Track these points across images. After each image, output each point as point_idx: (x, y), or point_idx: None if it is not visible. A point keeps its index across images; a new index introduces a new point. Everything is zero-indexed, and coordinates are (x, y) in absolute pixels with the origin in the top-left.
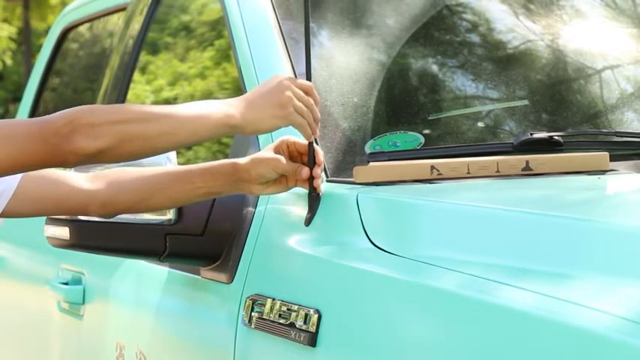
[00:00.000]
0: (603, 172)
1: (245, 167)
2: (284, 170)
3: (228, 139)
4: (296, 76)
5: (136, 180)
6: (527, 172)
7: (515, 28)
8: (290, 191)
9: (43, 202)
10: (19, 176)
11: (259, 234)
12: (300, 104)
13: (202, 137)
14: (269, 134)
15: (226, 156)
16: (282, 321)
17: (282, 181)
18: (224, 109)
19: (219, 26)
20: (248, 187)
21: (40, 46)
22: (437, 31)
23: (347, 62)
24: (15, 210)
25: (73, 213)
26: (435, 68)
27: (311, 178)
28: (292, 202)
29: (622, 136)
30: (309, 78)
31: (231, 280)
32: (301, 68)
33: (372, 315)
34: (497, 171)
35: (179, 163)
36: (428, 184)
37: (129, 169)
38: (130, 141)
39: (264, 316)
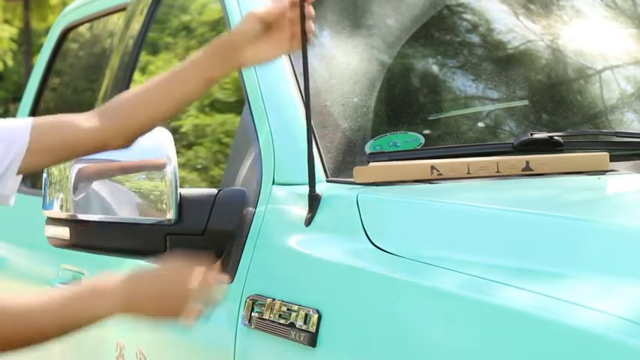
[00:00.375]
0: (603, 172)
1: (229, 32)
2: (269, 12)
3: (229, 139)
4: (296, 76)
5: (141, 100)
6: (528, 173)
7: (515, 29)
8: (290, 191)
9: (60, 150)
10: (27, 130)
11: (259, 234)
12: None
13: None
14: (269, 134)
15: (226, 156)
16: (282, 321)
17: (273, 39)
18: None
19: (220, 26)
20: (240, 53)
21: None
22: (437, 31)
23: (347, 62)
24: (32, 164)
25: (93, 152)
26: (435, 68)
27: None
28: (292, 203)
29: (622, 137)
30: (306, 81)
31: (231, 280)
32: (301, 68)
33: (372, 315)
34: (498, 171)
35: (179, 164)
36: (428, 185)
37: (128, 93)
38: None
39: (264, 316)
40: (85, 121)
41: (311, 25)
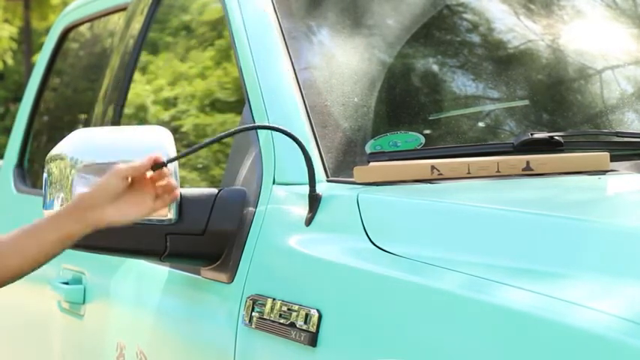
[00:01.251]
0: (604, 172)
1: (89, 191)
2: (133, 168)
3: (229, 139)
4: (297, 75)
5: None
6: (528, 173)
7: (515, 28)
8: (290, 191)
9: None
10: None
11: (260, 234)
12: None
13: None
14: (270, 134)
15: (227, 155)
16: (282, 321)
17: (136, 197)
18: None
19: (220, 26)
20: (100, 211)
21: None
22: (437, 31)
23: (347, 62)
24: None
25: None
26: (435, 68)
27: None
28: (293, 202)
29: (622, 137)
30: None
31: (231, 279)
32: (302, 67)
33: (373, 315)
34: (498, 171)
35: (180, 163)
36: (428, 184)
37: None
38: None
39: (264, 316)
40: None
41: (172, 184)
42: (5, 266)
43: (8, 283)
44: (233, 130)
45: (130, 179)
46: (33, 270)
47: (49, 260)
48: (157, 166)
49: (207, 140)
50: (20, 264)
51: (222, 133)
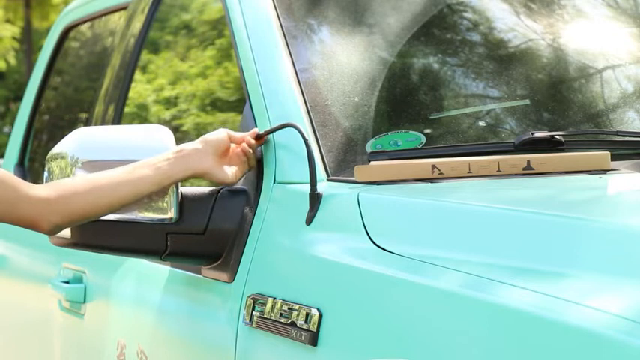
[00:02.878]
0: (604, 171)
1: (189, 143)
2: (233, 134)
3: None
4: (297, 74)
5: (91, 189)
6: (529, 172)
7: (516, 28)
8: (291, 190)
9: None
10: None
11: (260, 233)
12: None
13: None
14: (270, 135)
15: None
16: (283, 320)
17: (231, 163)
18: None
19: (221, 25)
20: (199, 159)
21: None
22: (438, 30)
23: (348, 61)
24: None
25: (21, 224)
26: (436, 67)
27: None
28: (293, 201)
29: (623, 136)
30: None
31: (232, 279)
32: (302, 66)
33: (373, 314)
34: (499, 170)
35: None
36: (429, 184)
37: (81, 178)
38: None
39: (265, 315)
40: (30, 189)
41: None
42: (118, 196)
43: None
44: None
45: (231, 146)
46: (130, 205)
47: (142, 198)
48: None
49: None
50: (126, 195)
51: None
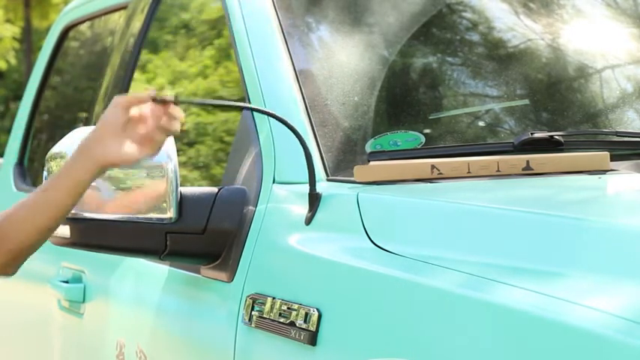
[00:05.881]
0: (604, 171)
1: (95, 127)
2: (128, 99)
3: (229, 137)
4: (297, 74)
5: (15, 221)
6: (528, 172)
7: (515, 28)
8: (291, 190)
9: None
10: None
11: (260, 233)
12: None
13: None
14: (270, 133)
15: (227, 154)
16: (282, 320)
17: (141, 139)
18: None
19: (220, 25)
20: (101, 148)
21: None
22: (438, 30)
23: (348, 61)
24: None
25: None
26: (435, 67)
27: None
28: (293, 201)
29: (622, 136)
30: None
31: (231, 278)
32: (302, 66)
33: (373, 314)
34: (498, 170)
35: (180, 162)
36: (428, 184)
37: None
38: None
39: (264, 315)
40: None
41: (174, 126)
42: (35, 225)
43: (37, 247)
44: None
45: (131, 112)
46: (57, 224)
47: (68, 211)
48: (160, 101)
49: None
50: (48, 217)
51: (226, 102)
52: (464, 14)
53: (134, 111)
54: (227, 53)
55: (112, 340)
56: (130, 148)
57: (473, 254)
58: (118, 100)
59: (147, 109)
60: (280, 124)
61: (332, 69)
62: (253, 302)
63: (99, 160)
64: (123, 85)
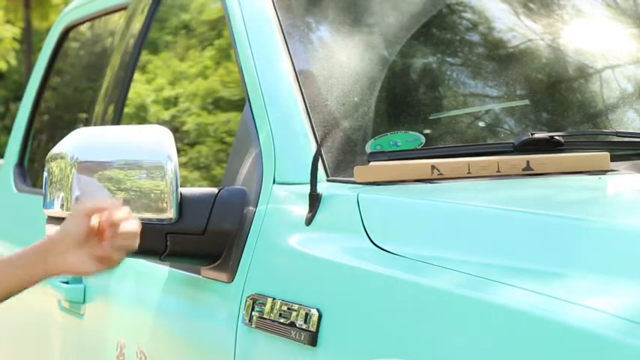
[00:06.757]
0: (604, 172)
1: (55, 233)
2: (89, 208)
3: (230, 138)
4: (297, 74)
5: None
6: (528, 172)
7: (515, 28)
8: (291, 191)
9: None
10: None
11: (260, 233)
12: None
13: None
14: (270, 134)
15: (227, 155)
16: (282, 320)
17: (99, 250)
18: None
19: (220, 25)
20: (61, 258)
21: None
22: (438, 30)
23: (348, 61)
24: None
25: None
26: (435, 68)
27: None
28: (293, 202)
29: (623, 136)
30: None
31: (231, 279)
32: (302, 66)
33: (373, 314)
34: (498, 171)
35: (181, 163)
36: (428, 184)
37: None
38: None
39: (264, 316)
40: None
41: (132, 244)
42: None
43: None
44: None
45: (95, 221)
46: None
47: (12, 294)
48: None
49: None
50: None
51: None
52: (464, 14)
53: (94, 221)
54: (227, 53)
55: (112, 341)
56: (87, 264)
57: (473, 254)
58: (80, 208)
59: (106, 217)
60: (280, 124)
61: (332, 69)
62: (253, 303)
63: (52, 269)
64: (123, 85)
